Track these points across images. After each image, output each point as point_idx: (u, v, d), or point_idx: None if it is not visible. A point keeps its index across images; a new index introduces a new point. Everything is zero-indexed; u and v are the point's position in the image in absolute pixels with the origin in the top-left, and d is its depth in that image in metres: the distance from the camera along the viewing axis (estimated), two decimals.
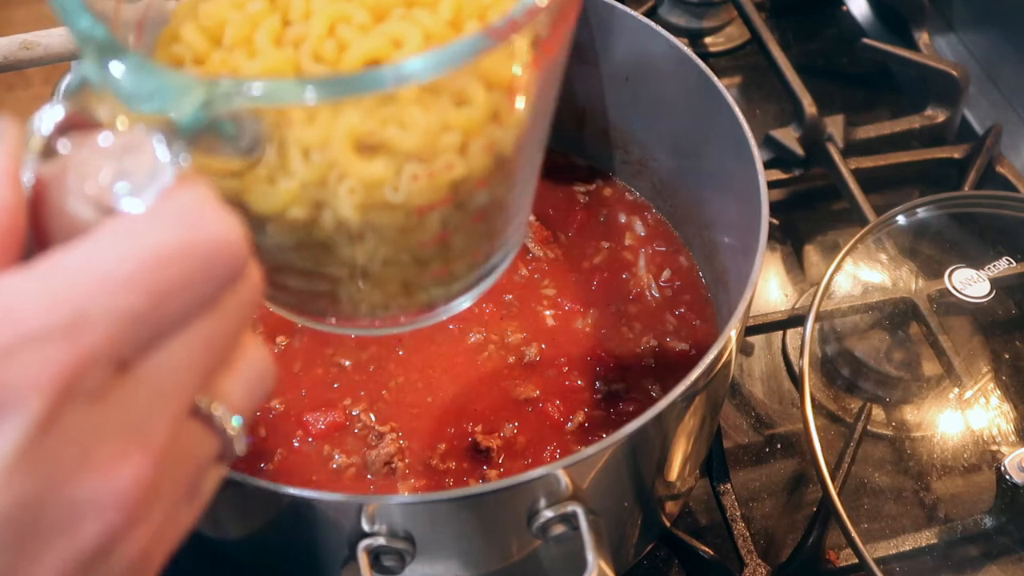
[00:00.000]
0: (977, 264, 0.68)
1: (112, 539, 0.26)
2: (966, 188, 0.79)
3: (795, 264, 0.81)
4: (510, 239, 0.42)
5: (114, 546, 0.26)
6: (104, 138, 0.28)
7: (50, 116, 0.28)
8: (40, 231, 0.28)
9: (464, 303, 0.43)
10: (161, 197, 0.27)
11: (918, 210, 0.71)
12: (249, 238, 0.28)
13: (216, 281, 0.27)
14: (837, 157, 0.79)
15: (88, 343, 0.24)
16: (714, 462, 0.65)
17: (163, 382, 0.26)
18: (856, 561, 0.58)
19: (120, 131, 0.28)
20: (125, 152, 0.27)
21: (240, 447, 0.30)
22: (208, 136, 0.30)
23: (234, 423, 0.29)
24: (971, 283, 0.67)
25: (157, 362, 0.26)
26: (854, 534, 0.56)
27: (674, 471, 0.56)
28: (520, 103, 0.35)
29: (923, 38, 0.92)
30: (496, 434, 0.59)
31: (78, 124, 0.28)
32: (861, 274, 0.70)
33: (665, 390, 0.60)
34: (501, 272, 0.43)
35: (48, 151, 0.28)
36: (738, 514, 0.63)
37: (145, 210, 0.27)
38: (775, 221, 0.82)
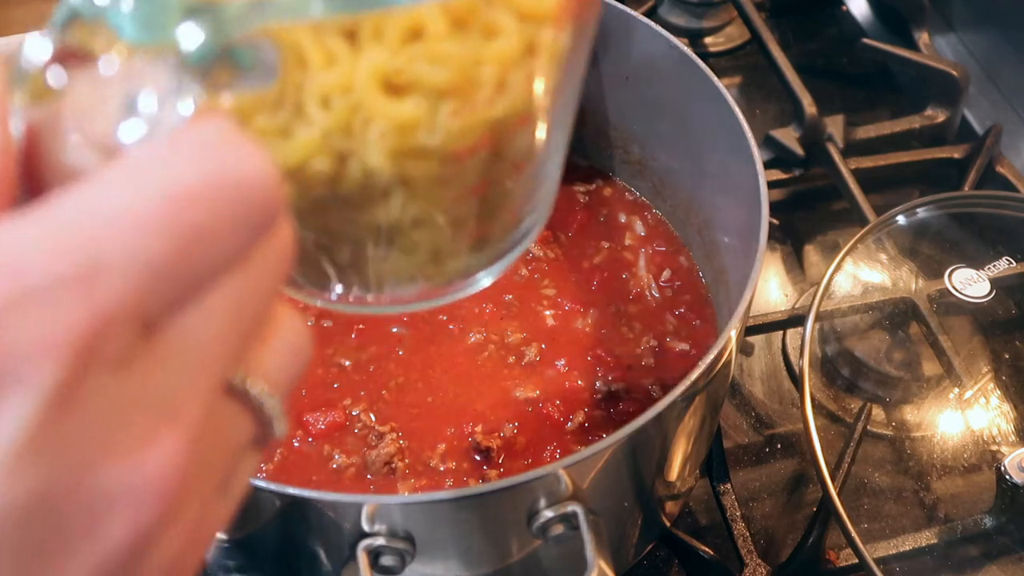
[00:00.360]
0: (977, 264, 0.68)
1: (146, 539, 0.22)
2: (966, 188, 0.79)
3: (795, 264, 0.81)
4: (542, 201, 0.39)
5: (148, 547, 0.22)
6: (105, 65, 0.23)
7: (37, 49, 0.23)
8: (35, 185, 0.23)
9: (487, 279, 0.39)
10: (177, 133, 0.23)
11: (918, 210, 0.71)
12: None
13: (249, 228, 0.23)
14: (837, 157, 0.79)
15: (108, 296, 0.20)
16: (714, 462, 0.65)
17: (195, 349, 0.22)
18: (856, 561, 0.58)
19: (122, 60, 0.24)
20: (129, 86, 0.23)
21: (280, 428, 0.26)
22: (222, 68, 0.25)
23: (272, 401, 0.25)
24: (971, 283, 0.67)
25: (187, 325, 0.22)
26: (854, 534, 0.56)
27: (674, 471, 0.56)
28: (555, 35, 0.32)
29: (923, 38, 0.92)
30: (496, 434, 0.59)
31: (71, 59, 0.24)
32: (861, 274, 0.70)
33: (665, 390, 0.60)
34: (529, 242, 0.40)
35: (38, 91, 0.23)
36: (738, 514, 0.63)
37: (161, 146, 0.22)
38: (775, 221, 0.82)
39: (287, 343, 0.26)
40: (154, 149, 0.22)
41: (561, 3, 0.32)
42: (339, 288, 0.37)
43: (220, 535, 0.53)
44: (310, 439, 0.59)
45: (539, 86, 0.32)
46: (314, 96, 0.29)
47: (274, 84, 0.29)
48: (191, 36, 0.24)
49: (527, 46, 0.31)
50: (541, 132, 0.35)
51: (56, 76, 0.23)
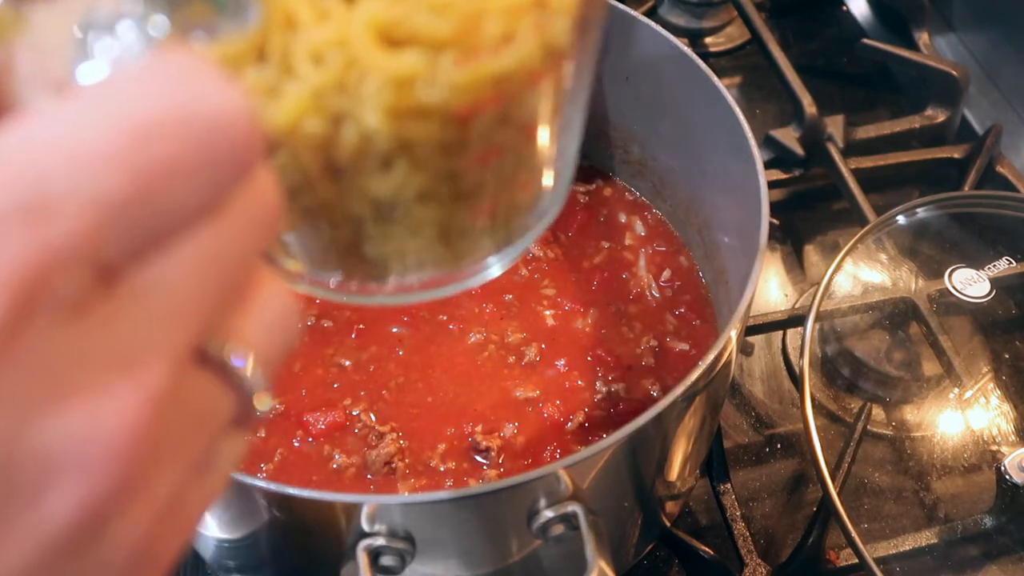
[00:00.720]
0: (977, 264, 0.68)
1: (101, 512, 0.19)
2: (966, 188, 0.79)
3: (795, 264, 0.81)
4: (559, 179, 0.36)
5: (105, 523, 0.19)
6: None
7: None
8: None
9: (498, 267, 0.36)
10: (141, 64, 0.20)
11: (918, 210, 0.71)
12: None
13: (220, 169, 0.20)
14: (837, 157, 0.79)
15: (58, 233, 0.18)
16: (714, 462, 0.65)
17: (162, 303, 0.20)
18: (856, 561, 0.58)
19: None
20: (90, 22, 0.22)
21: (263, 405, 0.23)
22: (195, 4, 0.24)
23: (254, 373, 0.23)
24: (971, 283, 0.67)
25: (154, 276, 0.20)
26: (854, 534, 0.56)
27: (674, 471, 0.56)
28: None
29: (923, 38, 0.92)
30: (496, 434, 0.59)
31: None
32: (861, 274, 0.70)
33: (665, 390, 0.60)
34: (544, 226, 0.37)
35: None
36: (738, 514, 0.63)
37: (123, 77, 0.20)
38: (775, 221, 0.82)
39: (272, 312, 0.23)
40: (115, 80, 0.20)
41: None
42: (339, 275, 0.34)
43: (224, 536, 0.53)
44: (310, 439, 0.59)
45: (549, 41, 0.30)
46: (305, 51, 0.27)
47: (255, 27, 0.27)
48: None
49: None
50: (553, 95, 0.32)
51: (8, 7, 0.22)
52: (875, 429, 0.67)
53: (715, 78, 0.59)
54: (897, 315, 0.69)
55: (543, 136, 0.33)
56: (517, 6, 0.28)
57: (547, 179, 0.36)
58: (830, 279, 0.66)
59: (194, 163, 0.20)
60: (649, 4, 0.94)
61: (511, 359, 0.62)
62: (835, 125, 0.81)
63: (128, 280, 0.20)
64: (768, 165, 0.81)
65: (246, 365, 0.23)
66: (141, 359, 0.20)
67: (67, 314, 0.19)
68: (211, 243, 0.21)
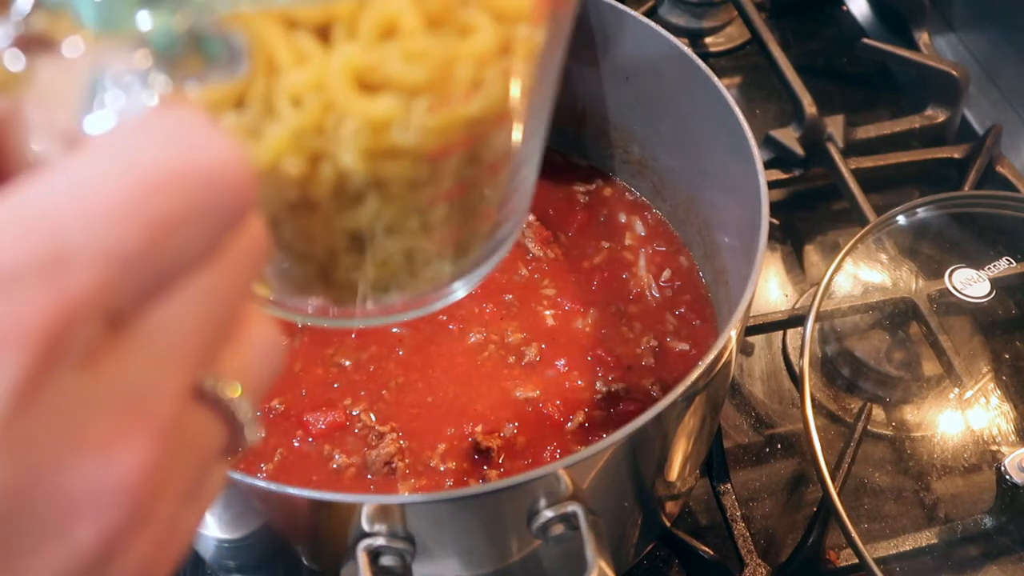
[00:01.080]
0: (977, 264, 0.68)
1: (115, 542, 0.21)
2: (966, 188, 0.79)
3: (795, 264, 0.81)
4: (518, 208, 0.39)
5: (116, 552, 0.21)
6: (69, 50, 0.22)
7: None
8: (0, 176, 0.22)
9: (462, 290, 0.39)
10: (145, 119, 0.22)
11: (918, 210, 0.71)
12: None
13: (220, 217, 0.22)
14: (837, 157, 0.79)
15: (76, 286, 0.19)
16: (714, 462, 0.65)
17: (165, 346, 0.21)
18: (856, 561, 0.58)
19: (87, 46, 0.23)
20: (95, 73, 0.23)
21: (252, 435, 0.25)
22: (190, 58, 0.25)
23: (244, 405, 0.24)
24: (971, 283, 0.67)
25: (157, 320, 0.21)
26: (854, 534, 0.56)
27: (674, 471, 0.56)
28: (530, 33, 0.32)
29: (923, 38, 0.92)
30: (496, 434, 0.59)
31: (34, 46, 0.23)
32: (861, 274, 0.70)
33: (665, 390, 0.60)
34: (505, 252, 0.40)
35: (0, 79, 0.22)
36: (738, 514, 0.63)
37: (129, 132, 0.21)
38: (775, 221, 0.82)
39: (259, 347, 0.25)
40: (122, 136, 0.21)
41: (536, 1, 0.31)
42: (310, 301, 0.36)
43: (224, 536, 0.53)
44: (310, 439, 0.59)
45: (515, 84, 0.32)
46: (285, 94, 0.29)
47: (244, 75, 0.28)
48: (155, 22, 0.23)
49: (502, 44, 0.31)
50: (517, 133, 0.34)
51: (16, 61, 0.22)
52: (875, 429, 0.67)
53: (715, 78, 0.59)
54: (897, 315, 0.69)
55: (506, 171, 0.35)
56: (486, 53, 0.30)
57: (508, 209, 0.38)
58: (830, 279, 0.66)
59: (198, 214, 0.21)
60: (649, 4, 0.94)
61: (511, 359, 0.62)
62: (835, 125, 0.81)
63: (134, 325, 0.21)
64: (768, 165, 0.81)
65: (237, 398, 0.24)
66: (148, 400, 0.21)
67: (83, 360, 0.20)
68: (209, 286, 0.22)
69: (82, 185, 0.20)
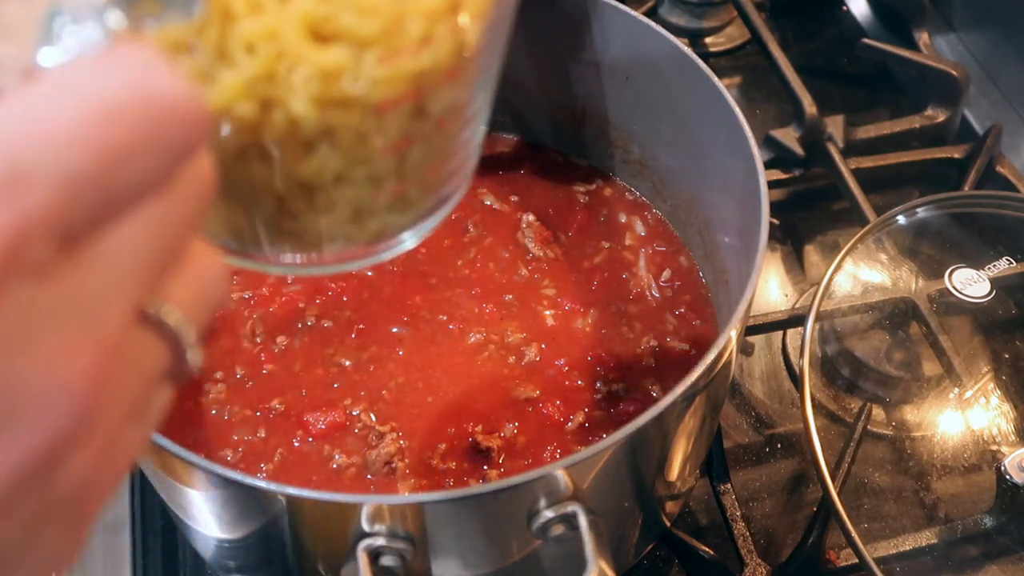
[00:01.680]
0: (977, 264, 0.68)
1: (60, 447, 0.22)
2: (966, 188, 0.79)
3: (795, 264, 0.81)
4: (465, 164, 0.40)
5: (61, 457, 0.22)
6: None
7: None
8: None
9: (411, 240, 0.40)
10: (101, 53, 0.23)
11: (918, 210, 0.71)
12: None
13: (171, 149, 0.23)
14: (837, 157, 0.79)
15: (30, 205, 0.20)
16: (714, 462, 0.65)
17: (113, 268, 0.23)
18: (856, 561, 0.58)
19: None
20: (54, 11, 0.23)
21: (194, 360, 0.26)
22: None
23: (187, 330, 0.26)
24: (971, 283, 0.67)
25: (107, 244, 0.23)
26: (854, 534, 0.56)
27: (674, 471, 0.56)
28: None
29: (923, 38, 0.92)
30: (496, 434, 0.59)
31: None
32: (861, 274, 0.70)
33: (665, 390, 0.60)
34: (451, 207, 0.41)
35: None
36: (738, 514, 0.63)
37: (85, 65, 0.23)
38: (775, 221, 0.82)
39: (203, 277, 0.26)
40: (78, 69, 0.22)
41: None
42: (260, 247, 0.38)
43: (224, 536, 0.53)
44: (310, 439, 0.59)
45: (464, 41, 0.33)
46: (240, 41, 0.30)
47: (200, 18, 0.29)
48: None
49: (453, 2, 0.32)
50: (464, 90, 0.35)
51: None
52: (875, 429, 0.67)
53: (715, 78, 0.59)
54: (897, 315, 0.69)
55: (453, 126, 0.37)
56: (436, 10, 0.32)
57: (454, 164, 0.39)
58: (830, 279, 0.66)
59: (150, 144, 0.23)
60: (649, 4, 0.94)
61: (511, 359, 0.62)
62: (835, 125, 0.81)
63: (84, 247, 0.22)
64: (768, 165, 0.81)
65: (180, 323, 0.25)
66: (96, 316, 0.22)
67: (35, 276, 0.21)
68: (158, 215, 0.24)
69: (38, 112, 0.21)
